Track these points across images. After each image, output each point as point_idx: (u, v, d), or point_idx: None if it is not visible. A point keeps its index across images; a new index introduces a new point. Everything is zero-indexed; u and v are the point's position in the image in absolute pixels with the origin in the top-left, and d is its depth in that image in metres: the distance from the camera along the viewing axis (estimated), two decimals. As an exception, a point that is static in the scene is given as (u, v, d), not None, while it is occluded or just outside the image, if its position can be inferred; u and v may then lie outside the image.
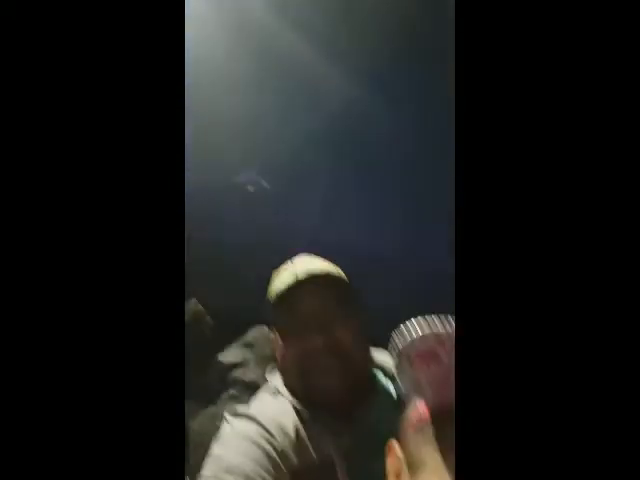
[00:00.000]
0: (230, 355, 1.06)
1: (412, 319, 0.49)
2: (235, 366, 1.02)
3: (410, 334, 0.48)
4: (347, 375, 0.83)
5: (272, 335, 0.91)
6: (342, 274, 0.90)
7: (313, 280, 0.86)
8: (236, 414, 0.81)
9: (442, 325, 0.48)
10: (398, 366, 0.51)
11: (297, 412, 0.80)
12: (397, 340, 0.49)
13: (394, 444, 0.57)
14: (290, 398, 0.82)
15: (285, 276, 0.90)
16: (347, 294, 0.89)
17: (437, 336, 0.48)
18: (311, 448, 0.74)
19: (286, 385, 0.85)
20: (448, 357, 0.49)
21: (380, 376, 0.90)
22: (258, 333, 1.12)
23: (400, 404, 0.58)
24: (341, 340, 0.82)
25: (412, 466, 0.48)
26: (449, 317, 0.48)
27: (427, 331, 0.48)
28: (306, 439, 0.75)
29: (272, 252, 0.99)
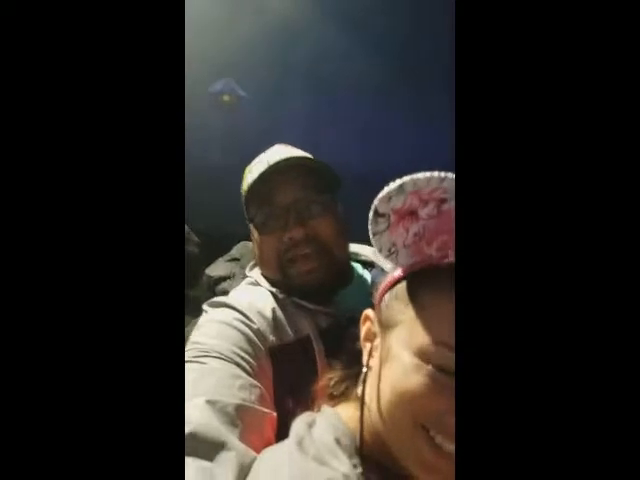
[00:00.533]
0: (218, 269, 1.09)
1: (398, 179, 0.46)
2: (223, 279, 1.06)
3: (390, 191, 0.46)
4: (326, 265, 0.83)
5: (251, 232, 0.91)
6: (320, 161, 0.87)
7: (286, 165, 0.84)
8: (213, 304, 0.82)
9: (427, 183, 0.45)
10: (374, 226, 0.50)
11: (275, 297, 0.82)
12: (376, 199, 0.48)
13: (369, 312, 0.59)
14: (268, 286, 0.85)
15: (256, 166, 0.87)
16: (326, 183, 0.88)
17: (418, 193, 0.46)
18: (289, 328, 0.78)
19: (265, 277, 0.88)
20: (427, 215, 0.48)
21: (357, 265, 0.94)
22: (243, 248, 1.15)
23: (374, 289, 0.60)
24: (320, 230, 0.83)
25: (387, 328, 0.54)
26: (436, 174, 0.45)
27: (410, 189, 0.45)
28: (284, 320, 0.78)
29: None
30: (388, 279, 0.57)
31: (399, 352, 0.50)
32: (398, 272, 0.56)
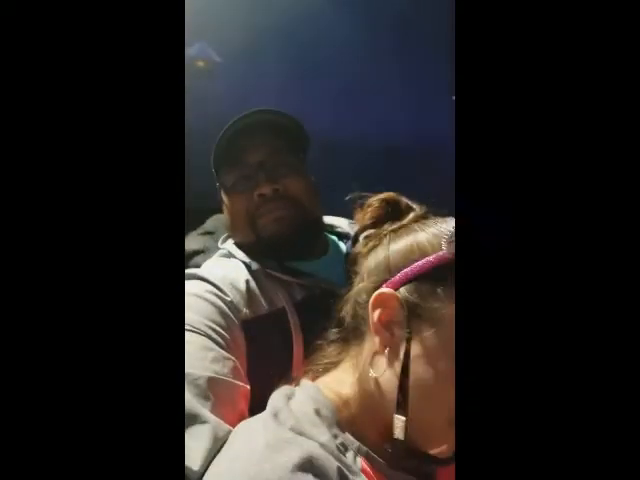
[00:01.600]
0: (191, 243, 1.06)
1: None
2: (196, 253, 1.02)
3: None
4: (296, 216, 0.84)
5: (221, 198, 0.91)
6: (296, 120, 0.86)
7: (257, 121, 0.83)
8: (185, 276, 0.80)
9: None
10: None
11: (248, 268, 0.82)
12: None
13: (391, 294, 0.52)
14: (241, 256, 0.84)
15: (226, 126, 0.85)
16: (296, 141, 0.87)
17: None
18: (263, 300, 0.77)
19: (237, 244, 0.86)
20: None
21: (333, 237, 0.92)
22: (217, 221, 1.11)
23: (348, 261, 0.60)
24: (291, 188, 0.85)
25: (428, 320, 0.50)
26: None
27: None
28: (257, 292, 0.78)
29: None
30: (425, 261, 0.50)
31: (449, 350, 0.46)
32: (440, 254, 0.50)
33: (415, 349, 0.50)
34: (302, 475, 0.42)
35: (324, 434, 0.48)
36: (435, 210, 0.62)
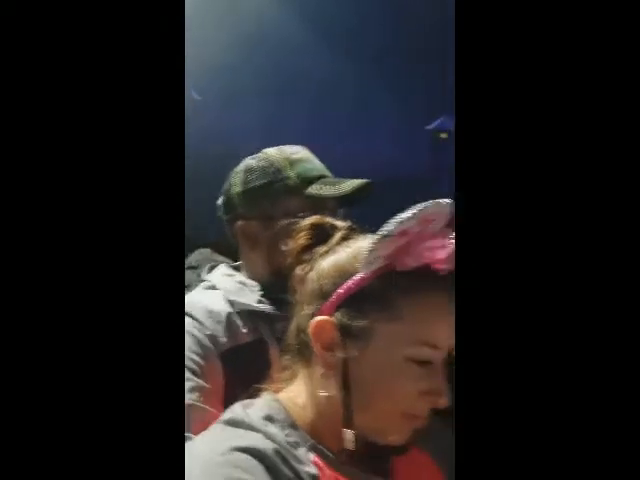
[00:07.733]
0: (173, 278, 1.03)
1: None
2: (180, 289, 1.00)
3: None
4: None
5: (235, 228, 0.92)
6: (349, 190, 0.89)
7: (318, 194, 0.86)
8: None
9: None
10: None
11: (229, 302, 0.85)
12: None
13: (323, 320, 0.57)
14: (225, 288, 0.89)
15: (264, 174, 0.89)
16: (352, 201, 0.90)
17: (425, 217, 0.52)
18: (244, 331, 0.83)
19: (251, 277, 0.91)
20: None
21: None
22: (200, 255, 1.09)
23: (289, 289, 0.64)
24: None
25: (357, 337, 0.56)
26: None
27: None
28: (239, 323, 0.84)
29: (215, 174, 0.94)
30: (350, 283, 0.57)
31: (385, 360, 0.54)
32: (360, 276, 0.56)
33: (354, 366, 0.56)
34: (241, 455, 0.49)
35: (273, 430, 0.53)
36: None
